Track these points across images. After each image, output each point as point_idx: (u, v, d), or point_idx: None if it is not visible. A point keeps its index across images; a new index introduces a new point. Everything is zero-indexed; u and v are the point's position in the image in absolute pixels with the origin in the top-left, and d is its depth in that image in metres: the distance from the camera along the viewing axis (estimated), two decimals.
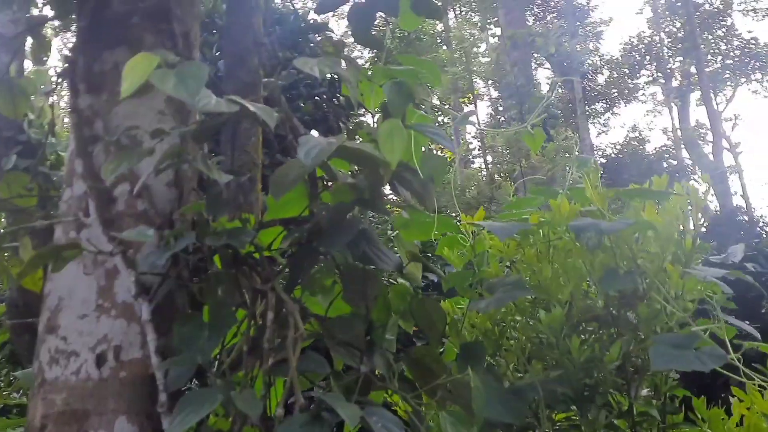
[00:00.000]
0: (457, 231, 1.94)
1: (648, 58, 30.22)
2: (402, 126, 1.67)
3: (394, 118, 1.75)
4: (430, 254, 4.43)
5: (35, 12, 2.39)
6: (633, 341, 1.65)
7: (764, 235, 12.26)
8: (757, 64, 28.10)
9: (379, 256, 1.69)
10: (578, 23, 24.56)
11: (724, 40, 29.20)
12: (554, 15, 24.09)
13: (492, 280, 1.84)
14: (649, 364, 1.64)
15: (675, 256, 1.69)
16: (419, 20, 2.40)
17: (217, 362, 1.67)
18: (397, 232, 2.11)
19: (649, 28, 30.14)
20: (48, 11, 2.29)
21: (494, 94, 23.42)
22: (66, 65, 1.88)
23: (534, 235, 1.80)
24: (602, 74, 28.86)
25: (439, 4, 2.68)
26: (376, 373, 1.72)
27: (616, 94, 29.39)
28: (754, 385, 1.59)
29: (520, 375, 1.82)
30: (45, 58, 2.38)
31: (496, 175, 14.66)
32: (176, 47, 1.95)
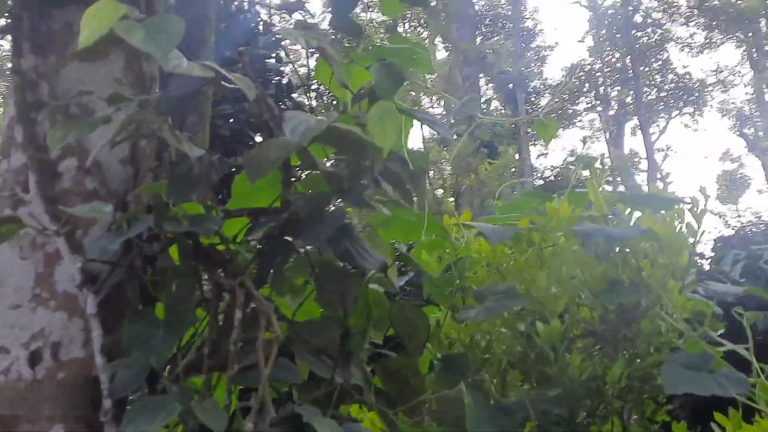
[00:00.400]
0: (443, 233, 1.78)
1: (587, 85, 31.00)
2: (395, 109, 1.51)
3: (384, 101, 1.58)
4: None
5: None
6: (634, 359, 1.52)
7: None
8: (690, 98, 29.15)
9: (362, 255, 1.51)
10: (524, 45, 24.96)
11: (660, 73, 30.23)
12: (501, 36, 24.42)
13: (479, 287, 1.68)
14: (649, 385, 1.51)
15: (677, 269, 1.57)
16: (401, 7, 2.25)
17: (171, 366, 1.45)
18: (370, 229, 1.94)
19: (590, 56, 30.91)
20: None
21: (438, 110, 23.51)
22: (8, 22, 1.63)
23: (527, 240, 1.66)
24: (544, 98, 29.40)
25: None
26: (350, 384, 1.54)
27: (556, 118, 29.99)
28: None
29: (505, 392, 1.66)
30: None
31: (441, 190, 14.64)
32: (138, 8, 1.73)
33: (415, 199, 1.66)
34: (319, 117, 1.33)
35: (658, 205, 1.56)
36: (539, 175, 26.10)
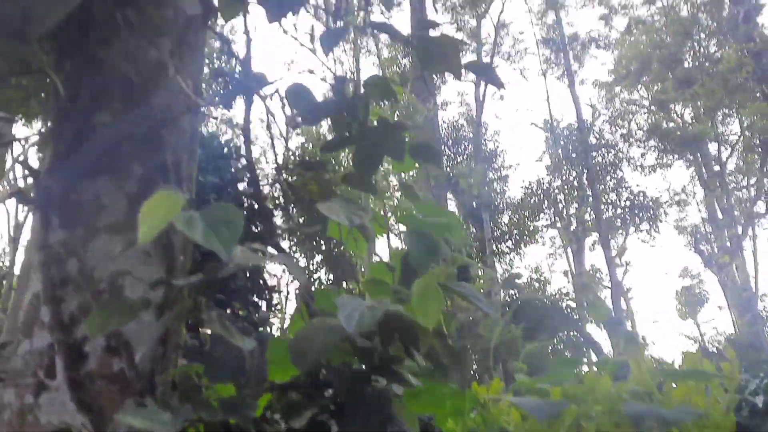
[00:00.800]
0: (478, 405, 1.72)
1: (546, 202, 31.85)
2: (438, 288, 1.49)
3: (421, 275, 1.57)
4: None
5: None
6: None
7: None
8: (645, 215, 30.02)
9: None
10: (487, 166, 25.74)
11: (615, 191, 31.28)
12: (465, 157, 25.25)
13: None
14: None
15: None
16: (413, 165, 2.30)
17: None
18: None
19: (548, 174, 31.95)
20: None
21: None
22: (37, 193, 1.60)
23: (569, 414, 1.61)
24: (506, 215, 30.04)
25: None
26: None
27: (518, 235, 30.54)
28: None
29: None
30: None
31: None
32: (167, 179, 1.72)
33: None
34: (370, 303, 1.30)
35: (701, 378, 1.54)
36: (505, 293, 26.25)
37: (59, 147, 1.67)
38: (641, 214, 30.10)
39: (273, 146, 1.86)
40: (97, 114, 1.69)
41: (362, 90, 2.25)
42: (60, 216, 1.58)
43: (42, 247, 1.54)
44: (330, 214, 1.51)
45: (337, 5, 2.44)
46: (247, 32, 2.19)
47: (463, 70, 2.02)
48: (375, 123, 2.42)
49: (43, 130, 2.41)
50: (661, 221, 28.56)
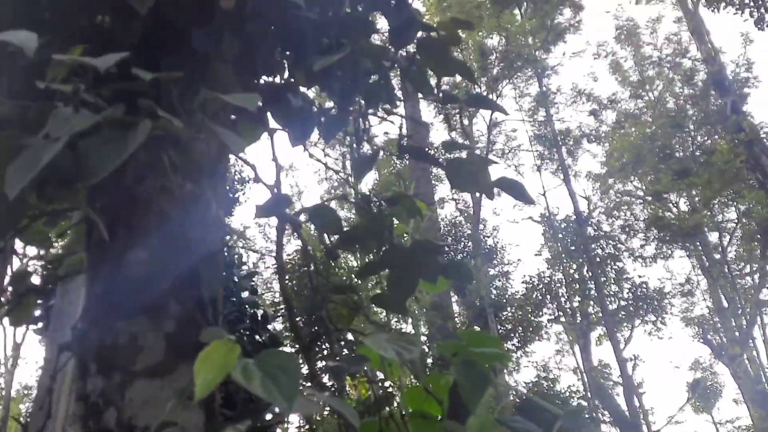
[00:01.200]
0: None
1: (549, 297, 31.56)
2: (494, 421, 1.42)
3: (471, 408, 1.49)
4: None
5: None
6: None
7: None
8: (650, 307, 29.71)
9: None
10: (488, 263, 25.70)
11: (616, 283, 31.05)
12: (465, 254, 25.23)
13: None
14: None
15: None
16: (446, 284, 2.26)
17: None
18: None
19: (548, 268, 31.80)
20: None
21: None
22: (74, 339, 1.55)
23: None
24: (509, 311, 29.69)
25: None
26: None
27: (522, 332, 30.10)
28: None
29: None
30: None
31: None
32: (204, 317, 1.67)
33: None
34: None
35: None
36: (514, 393, 25.62)
37: (95, 289, 1.63)
38: (645, 306, 29.80)
39: (310, 277, 1.82)
40: (133, 251, 1.66)
41: (377, 203, 2.24)
42: (97, 361, 1.52)
43: (80, 397, 1.48)
44: (378, 350, 1.45)
45: (357, 129, 2.46)
46: (275, 158, 2.20)
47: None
48: (403, 240, 2.40)
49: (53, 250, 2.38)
50: (666, 313, 28.22)
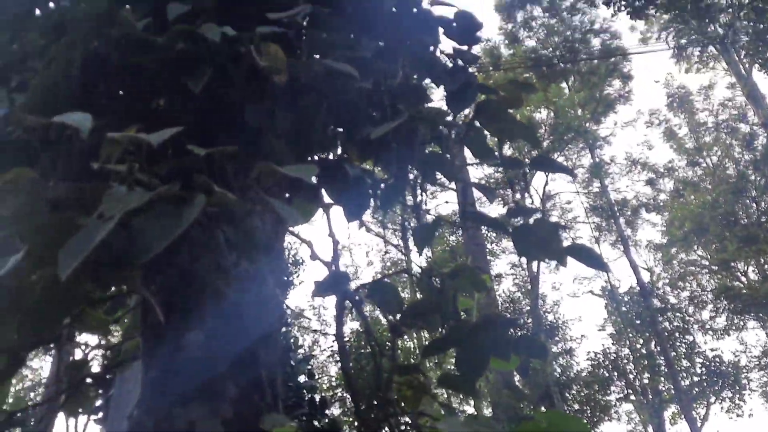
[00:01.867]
0: None
1: (616, 374, 30.25)
2: None
3: None
4: None
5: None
6: None
7: None
8: (725, 383, 28.16)
9: None
10: (550, 340, 24.99)
11: (687, 358, 29.62)
12: (526, 332, 24.59)
13: None
14: None
15: None
16: (518, 361, 2.12)
17: None
18: None
19: (613, 343, 30.64)
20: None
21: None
22: (129, 425, 1.47)
23: None
24: (575, 390, 28.56)
25: None
26: None
27: (590, 411, 28.81)
28: None
29: None
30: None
31: None
32: (264, 400, 1.57)
33: None
34: None
35: None
36: None
37: (150, 374, 1.55)
38: (721, 381, 28.26)
39: (374, 357, 1.71)
40: (189, 333, 1.59)
41: (437, 277, 2.14)
42: None
43: None
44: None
45: (416, 198, 2.39)
46: (332, 234, 2.14)
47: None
48: (468, 315, 2.27)
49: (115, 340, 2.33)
50: (744, 388, 26.66)
